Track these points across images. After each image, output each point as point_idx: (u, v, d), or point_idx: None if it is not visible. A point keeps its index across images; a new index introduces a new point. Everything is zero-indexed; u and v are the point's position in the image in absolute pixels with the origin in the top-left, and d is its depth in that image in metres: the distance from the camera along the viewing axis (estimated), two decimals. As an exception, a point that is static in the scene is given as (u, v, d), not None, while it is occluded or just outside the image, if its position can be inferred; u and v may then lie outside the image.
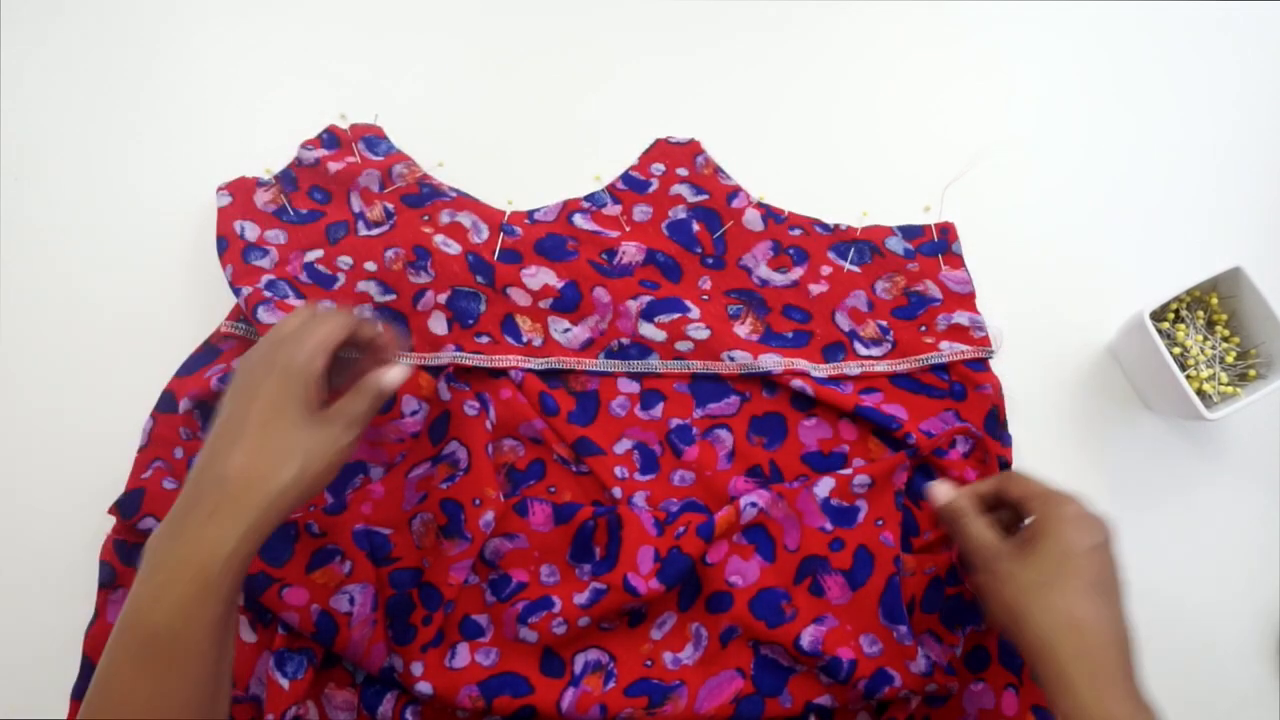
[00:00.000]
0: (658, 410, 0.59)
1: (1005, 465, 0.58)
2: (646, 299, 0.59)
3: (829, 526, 0.54)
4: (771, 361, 0.58)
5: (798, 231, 0.64)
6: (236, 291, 0.57)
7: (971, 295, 0.62)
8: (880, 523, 0.54)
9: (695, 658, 0.52)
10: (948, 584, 0.53)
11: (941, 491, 0.51)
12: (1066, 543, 0.44)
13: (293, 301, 0.57)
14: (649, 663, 0.52)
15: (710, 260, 0.63)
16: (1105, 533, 0.45)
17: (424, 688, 0.50)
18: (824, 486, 0.55)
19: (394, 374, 0.49)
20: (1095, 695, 0.40)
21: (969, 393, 0.59)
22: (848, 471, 0.55)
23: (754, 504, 0.54)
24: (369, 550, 0.53)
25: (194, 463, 0.43)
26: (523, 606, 0.52)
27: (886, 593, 0.52)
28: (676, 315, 0.59)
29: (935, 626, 0.53)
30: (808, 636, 0.51)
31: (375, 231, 0.61)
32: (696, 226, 0.63)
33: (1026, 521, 0.48)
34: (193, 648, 0.39)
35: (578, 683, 0.51)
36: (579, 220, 0.63)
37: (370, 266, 0.59)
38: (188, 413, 0.57)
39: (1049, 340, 0.63)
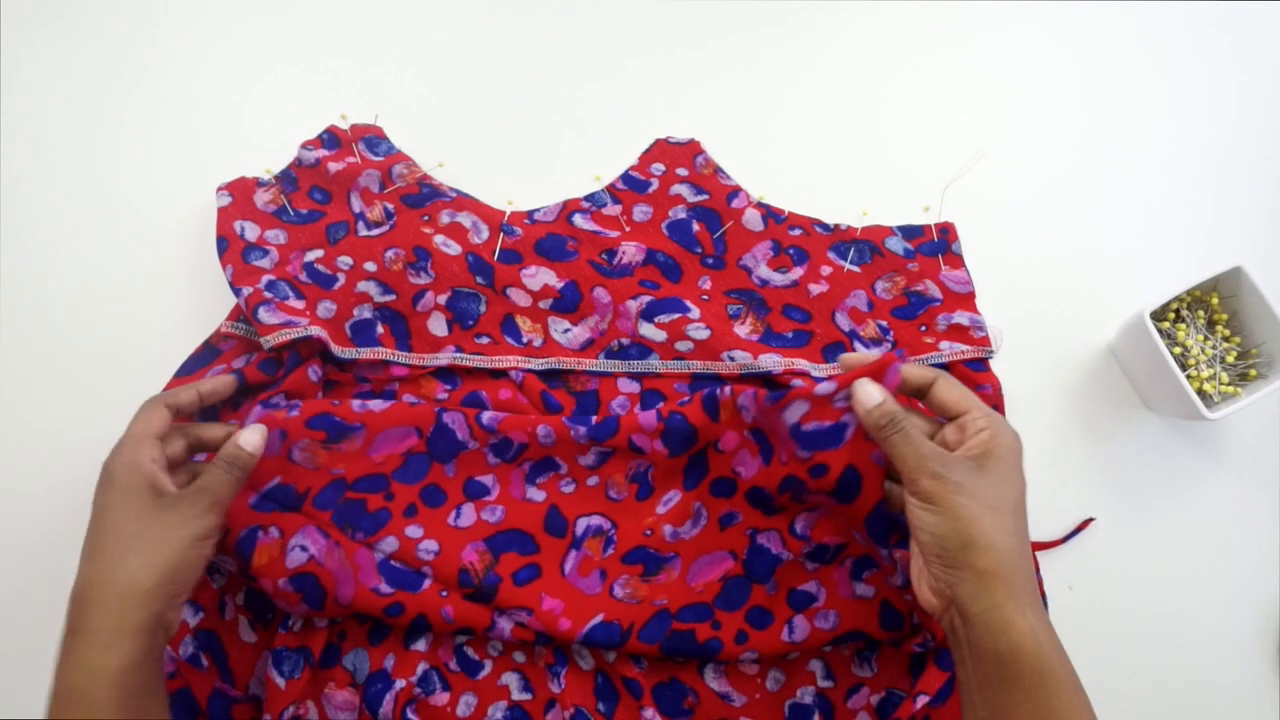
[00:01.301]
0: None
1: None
2: (646, 299, 0.59)
3: (803, 454, 0.49)
4: (771, 361, 0.58)
5: (798, 231, 0.64)
6: (237, 292, 0.57)
7: (971, 295, 0.62)
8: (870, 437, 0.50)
9: (693, 534, 0.54)
10: None
11: (871, 392, 0.45)
12: (1013, 468, 0.43)
13: (293, 302, 0.57)
14: (648, 532, 0.54)
15: (710, 260, 0.63)
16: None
17: (429, 545, 0.51)
18: (795, 411, 0.48)
19: (247, 437, 0.48)
20: (1040, 617, 0.41)
21: (969, 393, 0.59)
22: (822, 384, 0.47)
23: (743, 406, 0.53)
24: (280, 505, 0.52)
25: None
26: (529, 466, 0.53)
27: (872, 515, 0.49)
28: (676, 315, 0.59)
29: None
30: (800, 522, 0.53)
31: (375, 232, 0.61)
32: (696, 226, 0.63)
33: (946, 425, 0.46)
34: None
35: (579, 545, 0.53)
36: (579, 220, 0.63)
37: (370, 267, 0.59)
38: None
39: (1049, 340, 0.63)
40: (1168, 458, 0.60)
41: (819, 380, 0.49)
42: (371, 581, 0.51)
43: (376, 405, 0.54)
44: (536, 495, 0.54)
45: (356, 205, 0.63)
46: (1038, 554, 0.56)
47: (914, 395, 0.47)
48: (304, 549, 0.50)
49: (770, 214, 0.64)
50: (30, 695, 0.54)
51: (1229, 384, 0.57)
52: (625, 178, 0.65)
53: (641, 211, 0.64)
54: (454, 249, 0.60)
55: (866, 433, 0.46)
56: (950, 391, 0.46)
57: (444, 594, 0.52)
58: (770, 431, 0.52)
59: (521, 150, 0.68)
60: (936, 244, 0.64)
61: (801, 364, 0.59)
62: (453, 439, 0.54)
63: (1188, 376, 0.56)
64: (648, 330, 0.59)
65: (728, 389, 0.53)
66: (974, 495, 0.41)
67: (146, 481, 0.44)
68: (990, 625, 0.40)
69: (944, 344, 0.60)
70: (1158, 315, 0.58)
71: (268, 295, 0.57)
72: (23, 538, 0.57)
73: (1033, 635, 0.40)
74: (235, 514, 0.51)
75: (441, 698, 0.52)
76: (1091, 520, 0.58)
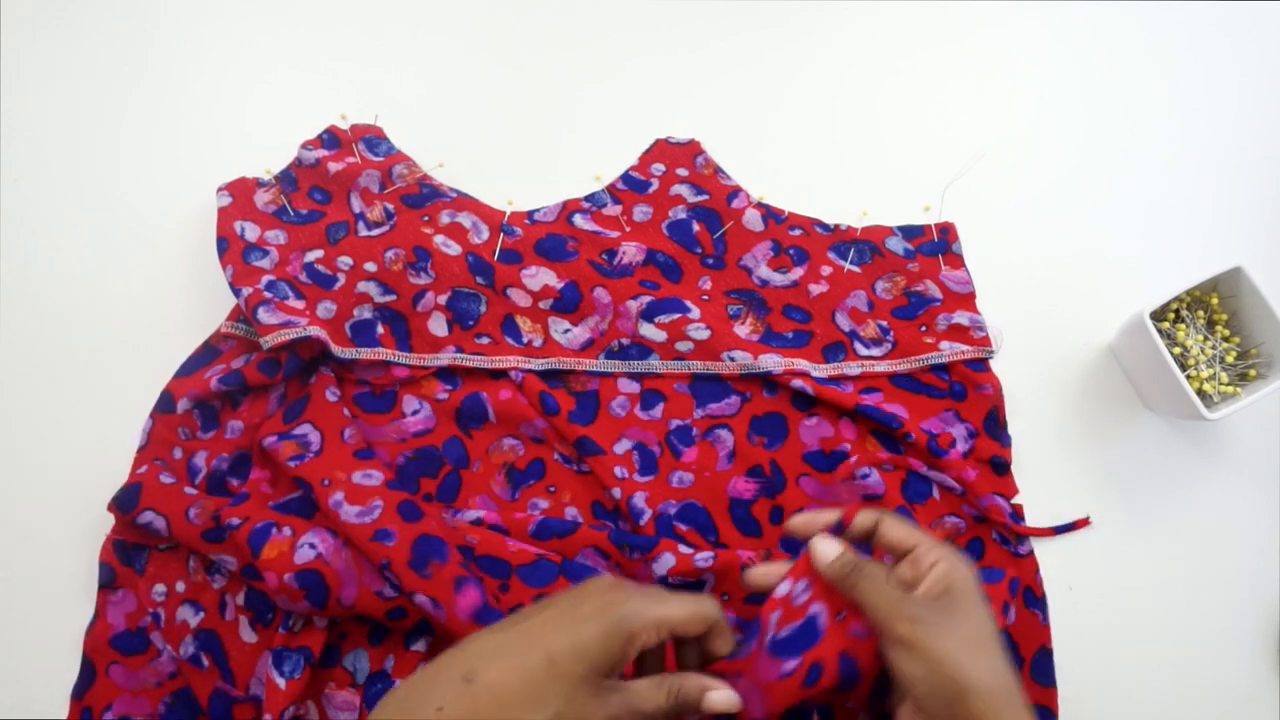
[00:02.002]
0: (658, 411, 0.59)
1: (1004, 466, 0.58)
2: (646, 299, 0.59)
3: (790, 664, 0.43)
4: (772, 362, 0.58)
5: (798, 231, 0.64)
6: (237, 292, 0.57)
7: (971, 295, 0.62)
8: (843, 615, 0.47)
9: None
10: None
11: (828, 548, 0.44)
12: (977, 600, 0.43)
13: (293, 302, 0.57)
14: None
15: (710, 260, 0.63)
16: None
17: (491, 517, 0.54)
18: (772, 624, 0.45)
19: (720, 697, 0.42)
20: None
21: (969, 393, 0.59)
22: (779, 586, 0.45)
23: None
24: (298, 512, 0.53)
25: (473, 634, 0.39)
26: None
27: (872, 691, 0.46)
28: (676, 315, 0.59)
29: None
30: None
31: (375, 232, 0.61)
32: (696, 226, 0.63)
33: (898, 564, 0.44)
34: None
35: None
36: (579, 220, 0.63)
37: (370, 267, 0.59)
38: (186, 413, 0.57)
39: (1049, 340, 0.63)
40: (1168, 458, 0.60)
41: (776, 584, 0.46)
42: (375, 585, 0.51)
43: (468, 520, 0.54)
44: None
45: (356, 205, 0.63)
46: (1034, 547, 0.57)
47: (862, 540, 0.46)
48: (312, 546, 0.50)
49: (770, 214, 0.64)
50: (35, 693, 0.54)
51: (1229, 384, 0.57)
52: (625, 178, 0.65)
53: (641, 212, 0.64)
54: (454, 249, 0.60)
55: (834, 589, 0.43)
56: (895, 529, 0.45)
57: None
58: (764, 677, 0.46)
59: (521, 150, 0.68)
60: (936, 244, 0.64)
61: (801, 364, 0.59)
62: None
63: (1187, 376, 0.56)
64: (648, 330, 0.59)
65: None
66: (953, 636, 0.40)
67: (619, 656, 0.39)
68: None
69: (944, 344, 0.60)
70: (1158, 315, 0.58)
71: (267, 295, 0.57)
72: (22, 538, 0.57)
73: None
74: (254, 510, 0.52)
75: None
76: (1088, 520, 0.58)
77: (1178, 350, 0.58)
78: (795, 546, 0.56)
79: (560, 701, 0.36)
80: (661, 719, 0.40)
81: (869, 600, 0.41)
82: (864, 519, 0.46)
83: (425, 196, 0.63)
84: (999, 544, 0.57)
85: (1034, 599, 0.55)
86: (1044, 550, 0.57)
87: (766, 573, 0.47)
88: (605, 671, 0.38)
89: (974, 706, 0.38)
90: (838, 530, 0.46)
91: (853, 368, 0.60)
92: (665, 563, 0.52)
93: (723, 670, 0.45)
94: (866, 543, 0.47)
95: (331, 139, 0.65)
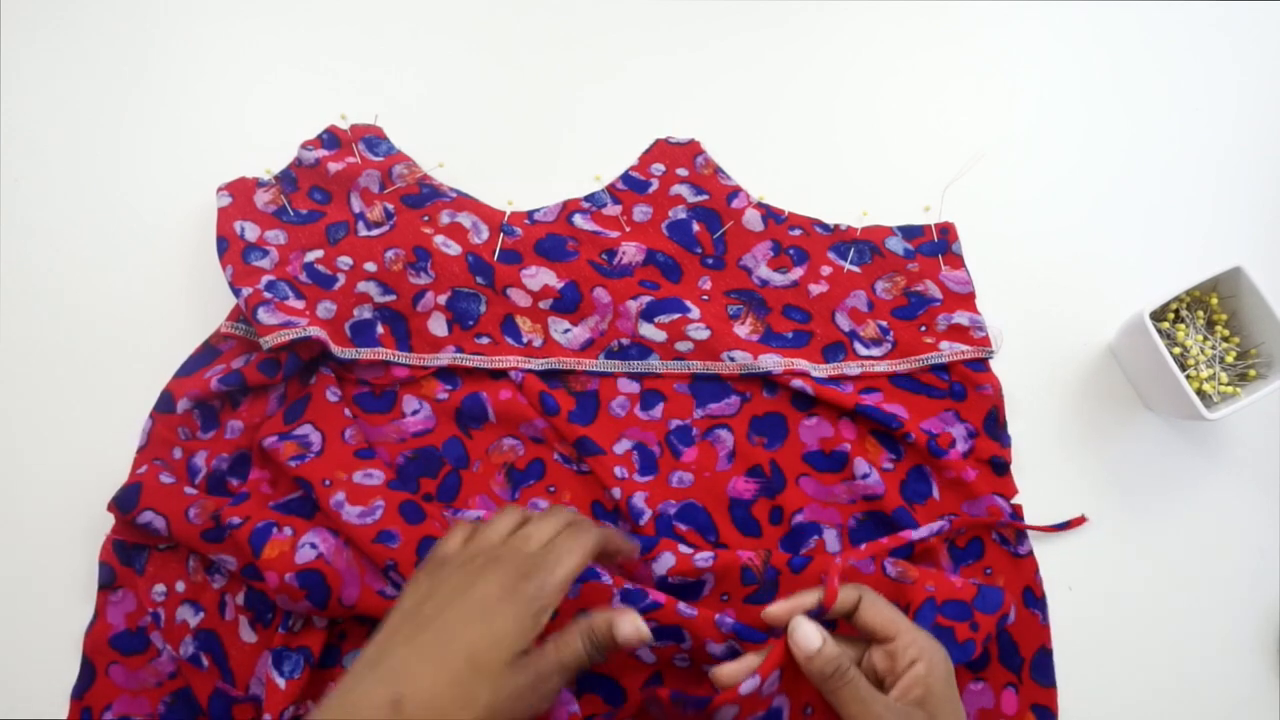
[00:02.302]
0: (658, 411, 0.59)
1: (1004, 466, 0.58)
2: (646, 299, 0.59)
3: None
4: (771, 362, 0.58)
5: (798, 231, 0.64)
6: (236, 292, 0.57)
7: (971, 295, 0.62)
8: (809, 710, 0.46)
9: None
10: (941, 612, 0.51)
11: (809, 634, 0.43)
12: (955, 706, 0.43)
13: (293, 302, 0.57)
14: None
15: (710, 260, 0.63)
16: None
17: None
18: (725, 715, 0.45)
19: (627, 628, 0.42)
20: None
21: (969, 393, 0.59)
22: (745, 683, 0.43)
23: None
24: (298, 512, 0.53)
25: (367, 652, 0.39)
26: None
27: None
28: (676, 315, 0.59)
29: None
30: None
31: (375, 232, 0.61)
32: (696, 226, 0.63)
33: (873, 649, 0.45)
34: None
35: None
36: (579, 220, 0.63)
37: (370, 267, 0.59)
38: (186, 413, 0.57)
39: (1049, 340, 0.63)
40: (1167, 458, 0.60)
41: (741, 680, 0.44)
42: (377, 584, 0.51)
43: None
44: None
45: (356, 205, 0.63)
46: (1034, 547, 0.57)
47: (841, 619, 0.45)
48: (313, 546, 0.50)
49: (770, 214, 0.64)
50: (35, 693, 0.54)
51: (1228, 384, 0.57)
52: (625, 178, 0.65)
53: (641, 212, 0.64)
54: (454, 249, 0.60)
55: (802, 680, 0.43)
56: (877, 614, 0.44)
57: None
58: None
59: (521, 150, 0.68)
60: (936, 244, 0.64)
61: (801, 364, 0.59)
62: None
63: (1187, 376, 0.56)
64: (648, 330, 0.59)
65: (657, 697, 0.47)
66: None
67: (533, 635, 0.39)
68: None
69: (944, 344, 0.60)
70: (1157, 315, 0.58)
71: (267, 296, 0.57)
72: (22, 538, 0.57)
73: None
74: (254, 510, 0.52)
75: None
76: (1084, 518, 0.58)
77: (1178, 350, 0.58)
78: (795, 545, 0.56)
79: (488, 693, 0.37)
80: (587, 663, 0.41)
81: (849, 711, 0.42)
82: (845, 599, 0.45)
83: (425, 196, 0.63)
84: (999, 544, 0.57)
85: (1034, 599, 0.55)
86: (1044, 550, 0.57)
87: (736, 670, 0.44)
88: (523, 650, 0.38)
89: None
90: (818, 614, 0.45)
91: (852, 368, 0.60)
92: (665, 562, 0.52)
93: (665, 703, 0.45)
94: (847, 619, 0.46)
95: (331, 139, 0.65)
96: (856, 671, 0.42)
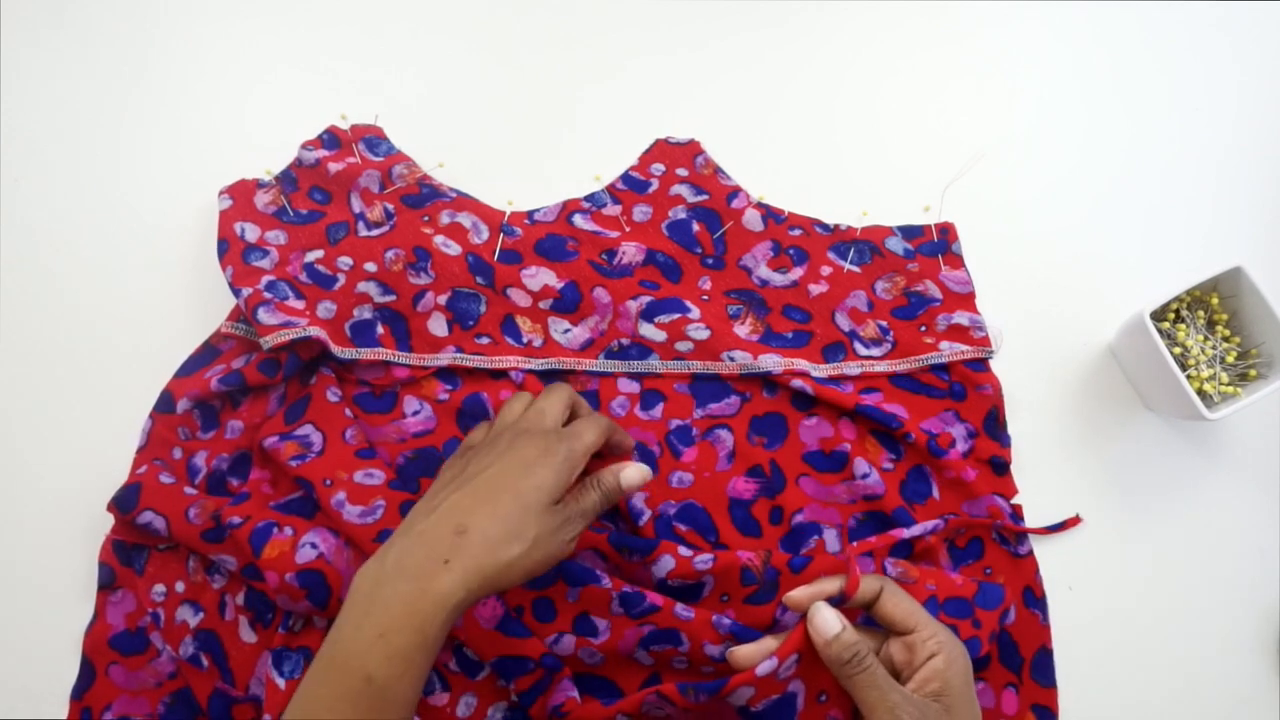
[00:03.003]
0: (657, 411, 0.59)
1: (1003, 466, 0.58)
2: (646, 299, 0.59)
3: None
4: (771, 362, 0.58)
5: (798, 231, 0.64)
6: (236, 293, 0.57)
7: (971, 295, 0.62)
8: (824, 697, 0.46)
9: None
10: (943, 610, 0.52)
11: (829, 619, 0.44)
12: (971, 700, 0.43)
13: (293, 303, 0.57)
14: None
15: (710, 260, 0.63)
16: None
17: None
18: (739, 697, 0.45)
19: (631, 473, 0.49)
20: None
21: (969, 393, 0.59)
22: (762, 665, 0.44)
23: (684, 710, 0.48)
24: (299, 512, 0.53)
25: (421, 505, 0.45)
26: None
27: None
28: (676, 315, 0.59)
29: None
30: None
31: (375, 232, 0.61)
32: (696, 226, 0.63)
33: (891, 640, 0.45)
34: (400, 697, 0.39)
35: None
36: (579, 220, 0.63)
37: (370, 267, 0.59)
38: (186, 413, 0.57)
39: (1049, 340, 0.63)
40: (1168, 458, 0.60)
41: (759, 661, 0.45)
42: None
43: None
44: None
45: (356, 205, 0.63)
46: (1034, 547, 0.57)
47: (860, 608, 0.46)
48: (314, 546, 0.50)
49: (770, 214, 0.64)
50: (35, 693, 0.54)
51: (1229, 384, 0.57)
52: (625, 178, 0.65)
53: (641, 212, 0.64)
54: (454, 249, 0.60)
55: (819, 666, 0.44)
56: (897, 605, 0.45)
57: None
58: (717, 717, 0.48)
59: (521, 150, 0.68)
60: (936, 244, 0.64)
61: (801, 364, 0.59)
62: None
63: (1188, 376, 0.56)
64: (648, 330, 0.59)
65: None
66: None
67: (568, 486, 0.46)
68: None
69: (944, 344, 0.60)
70: (1158, 315, 0.58)
71: (267, 296, 0.57)
72: (22, 538, 0.57)
73: None
74: (255, 510, 0.52)
75: (441, 698, 0.52)
76: (1078, 519, 0.58)
77: (1178, 350, 0.58)
78: (795, 545, 0.56)
79: (534, 529, 0.43)
80: (601, 509, 0.48)
81: (865, 698, 0.43)
82: (867, 589, 0.45)
83: (425, 196, 0.63)
84: (999, 544, 0.57)
85: (1034, 599, 0.55)
86: (1044, 550, 0.57)
87: (753, 652, 0.46)
88: (559, 498, 0.45)
89: None
90: (839, 601, 0.45)
91: (852, 368, 0.60)
92: (665, 565, 0.52)
93: (674, 698, 0.45)
94: (866, 611, 0.46)
95: (331, 139, 0.65)
96: (874, 659, 0.43)
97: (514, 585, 0.43)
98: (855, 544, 0.53)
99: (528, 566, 0.43)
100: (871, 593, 0.45)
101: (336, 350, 0.57)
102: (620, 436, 0.52)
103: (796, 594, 0.46)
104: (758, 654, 0.46)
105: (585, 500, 0.47)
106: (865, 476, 0.56)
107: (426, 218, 0.62)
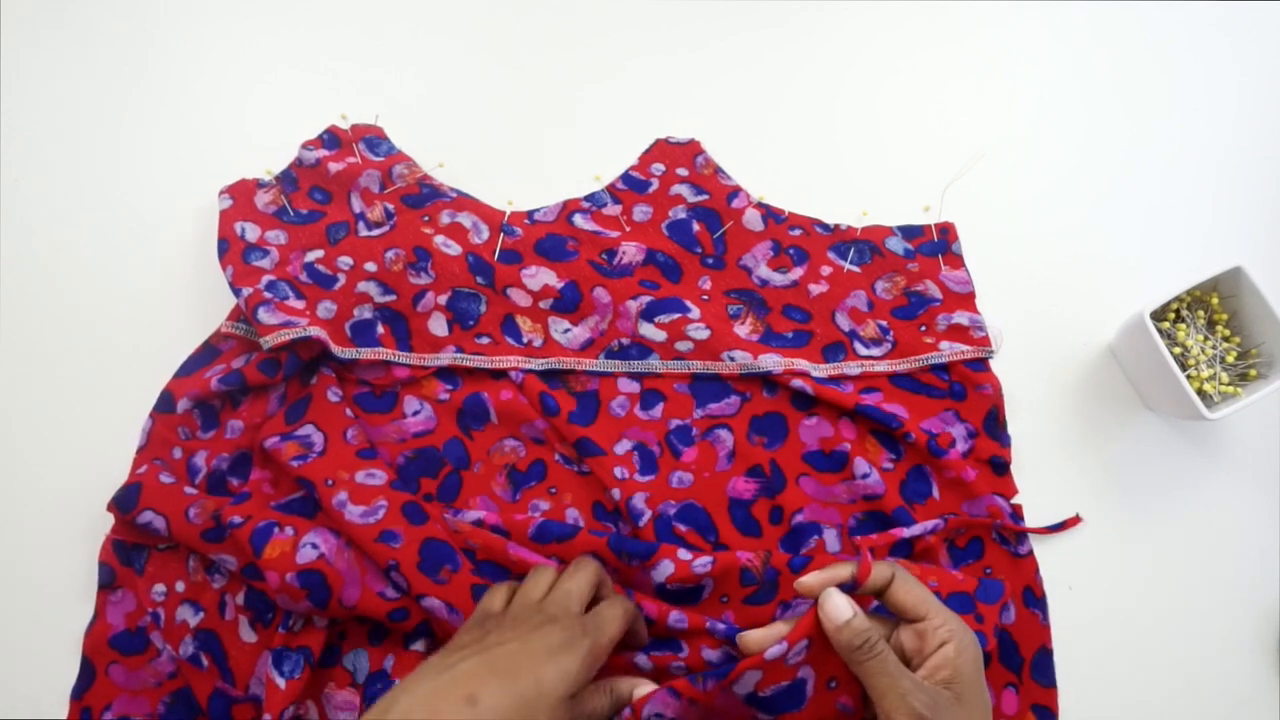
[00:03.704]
0: (657, 410, 0.59)
1: (1003, 466, 0.58)
2: (646, 299, 0.59)
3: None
4: (771, 361, 0.58)
5: (798, 231, 0.64)
6: (237, 293, 0.57)
7: (971, 295, 0.62)
8: (834, 684, 0.46)
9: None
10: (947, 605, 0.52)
11: (840, 605, 0.43)
12: (981, 688, 0.43)
13: (293, 302, 0.57)
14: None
15: (710, 260, 0.63)
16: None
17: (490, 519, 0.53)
18: (747, 682, 0.45)
19: (644, 692, 0.46)
20: None
21: (969, 393, 0.59)
22: (772, 649, 0.44)
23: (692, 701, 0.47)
24: (300, 512, 0.53)
25: (434, 661, 0.42)
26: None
27: None
28: (676, 315, 0.59)
29: None
30: None
31: (375, 232, 0.61)
32: (696, 226, 0.63)
33: (902, 627, 0.45)
34: None
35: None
36: (579, 220, 0.63)
37: (370, 267, 0.59)
38: (186, 413, 0.57)
39: (1049, 340, 0.63)
40: (1168, 458, 0.60)
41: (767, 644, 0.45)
42: (378, 585, 0.51)
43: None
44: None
45: (357, 205, 0.63)
46: (1034, 547, 0.57)
47: (872, 595, 0.46)
48: (314, 546, 0.50)
49: (770, 214, 0.64)
50: (35, 693, 0.54)
51: (1229, 384, 0.57)
52: (625, 178, 0.65)
53: (641, 211, 0.64)
54: (454, 249, 0.60)
55: (829, 652, 0.44)
56: (909, 593, 0.45)
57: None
58: (724, 714, 0.47)
59: (521, 150, 0.68)
60: (936, 244, 0.64)
61: (801, 364, 0.59)
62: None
63: (1188, 376, 0.56)
64: (648, 330, 0.59)
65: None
66: None
67: (591, 675, 0.44)
68: None
69: (944, 344, 0.60)
70: (1158, 315, 0.58)
71: (267, 296, 0.57)
72: (22, 538, 0.57)
73: None
74: (256, 510, 0.52)
75: None
76: (1078, 518, 0.58)
77: (1178, 350, 0.58)
78: (795, 545, 0.56)
79: (545, 718, 0.41)
80: (607, 716, 0.46)
81: (875, 684, 0.42)
82: (878, 576, 0.45)
83: (425, 196, 0.63)
84: (999, 544, 0.57)
85: (1034, 599, 0.55)
86: (1044, 550, 0.57)
87: (763, 636, 0.46)
88: (575, 693, 0.43)
89: None
90: (850, 588, 0.45)
91: (852, 368, 0.60)
92: (664, 570, 0.52)
93: (682, 689, 0.45)
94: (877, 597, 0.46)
95: (332, 139, 0.65)
96: (885, 646, 0.43)
97: None
98: (858, 538, 0.53)
99: None
100: (883, 580, 0.45)
101: (337, 350, 0.57)
102: (638, 626, 0.49)
103: (808, 579, 0.46)
104: (768, 638, 0.46)
105: (596, 702, 0.45)
106: (865, 476, 0.56)
107: (427, 217, 0.62)
